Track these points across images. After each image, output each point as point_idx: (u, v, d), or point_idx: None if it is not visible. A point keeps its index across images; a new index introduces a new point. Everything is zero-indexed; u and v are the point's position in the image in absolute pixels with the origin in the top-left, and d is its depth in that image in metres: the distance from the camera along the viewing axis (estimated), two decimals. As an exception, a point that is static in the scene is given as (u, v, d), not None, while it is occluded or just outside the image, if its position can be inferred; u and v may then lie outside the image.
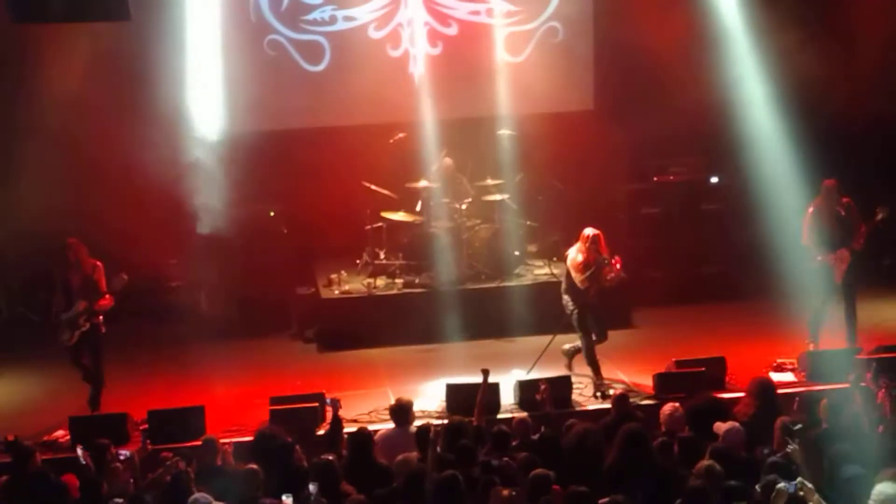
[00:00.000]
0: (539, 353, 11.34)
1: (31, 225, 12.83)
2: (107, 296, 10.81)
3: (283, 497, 7.79)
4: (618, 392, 9.89)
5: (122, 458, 8.58)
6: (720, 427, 8.47)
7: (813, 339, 11.72)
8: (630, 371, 11.50)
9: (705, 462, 7.64)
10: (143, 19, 12.12)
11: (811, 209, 11.67)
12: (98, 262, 10.93)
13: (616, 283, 10.99)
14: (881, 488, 7.37)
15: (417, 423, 9.43)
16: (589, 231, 10.99)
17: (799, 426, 8.18)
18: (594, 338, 11.13)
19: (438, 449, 8.35)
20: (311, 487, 7.83)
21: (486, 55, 14.35)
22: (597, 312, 11.16)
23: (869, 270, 12.53)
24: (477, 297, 13.07)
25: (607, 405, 9.99)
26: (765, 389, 9.20)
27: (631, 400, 9.72)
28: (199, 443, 9.10)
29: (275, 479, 8.17)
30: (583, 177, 14.41)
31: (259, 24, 14.04)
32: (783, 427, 8.25)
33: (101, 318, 10.90)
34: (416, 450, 8.54)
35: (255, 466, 8.10)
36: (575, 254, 11.06)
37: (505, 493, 7.47)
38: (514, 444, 8.65)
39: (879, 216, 11.55)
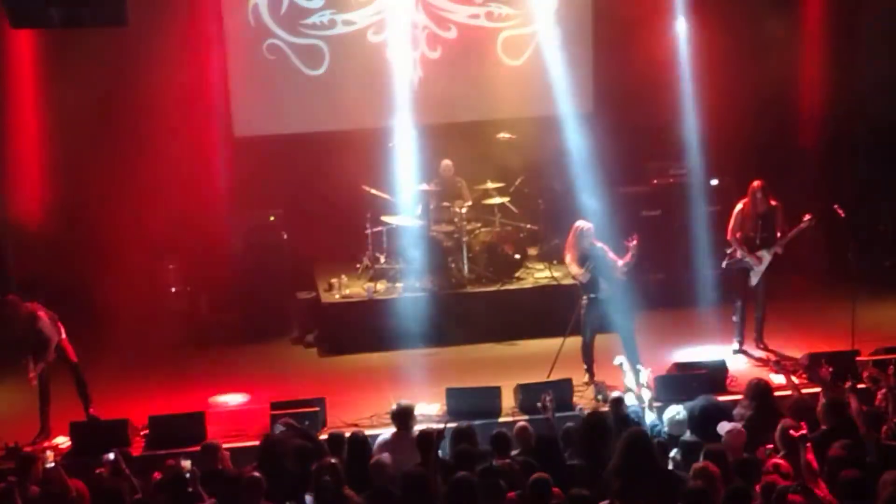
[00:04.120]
0: (554, 359, 11.27)
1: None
2: (50, 343, 10.41)
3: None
4: (614, 395, 9.86)
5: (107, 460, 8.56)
6: (723, 428, 8.49)
7: (738, 338, 12.00)
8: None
9: (700, 463, 7.65)
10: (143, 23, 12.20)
11: (738, 207, 11.80)
12: (35, 311, 10.41)
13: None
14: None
15: (418, 427, 9.43)
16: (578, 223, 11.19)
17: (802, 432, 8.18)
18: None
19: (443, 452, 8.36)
20: (308, 499, 7.82)
21: (485, 59, 14.38)
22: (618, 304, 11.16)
23: (868, 272, 12.58)
24: (477, 301, 13.08)
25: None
26: (761, 391, 9.22)
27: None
28: (199, 448, 9.08)
29: (285, 483, 8.17)
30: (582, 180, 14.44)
31: (258, 29, 14.06)
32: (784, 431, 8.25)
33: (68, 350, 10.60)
34: (419, 454, 8.53)
35: (256, 474, 8.08)
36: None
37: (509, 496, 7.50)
38: (515, 452, 8.62)
39: (805, 221, 11.61)
